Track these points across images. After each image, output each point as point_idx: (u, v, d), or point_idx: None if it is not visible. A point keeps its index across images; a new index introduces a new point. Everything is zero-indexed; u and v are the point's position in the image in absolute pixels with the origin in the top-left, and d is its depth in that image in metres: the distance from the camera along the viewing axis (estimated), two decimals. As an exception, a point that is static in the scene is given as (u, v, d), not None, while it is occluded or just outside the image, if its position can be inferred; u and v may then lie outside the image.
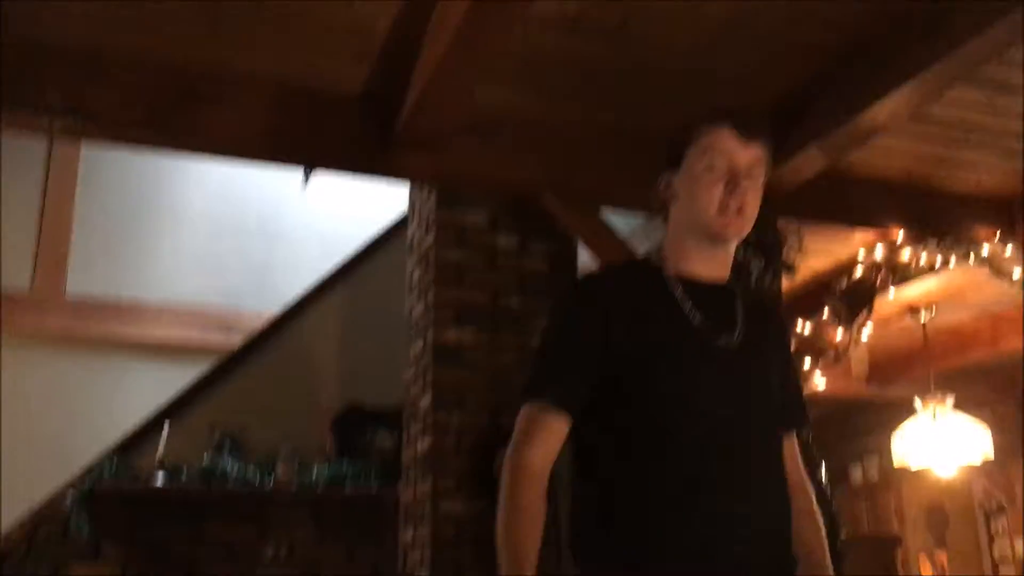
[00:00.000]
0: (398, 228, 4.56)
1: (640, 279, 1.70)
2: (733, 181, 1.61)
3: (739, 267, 3.36)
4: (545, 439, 1.57)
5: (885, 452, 6.12)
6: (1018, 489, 6.47)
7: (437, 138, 3.07)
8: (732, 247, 1.71)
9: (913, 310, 5.04)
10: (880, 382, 6.17)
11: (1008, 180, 3.75)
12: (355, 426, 4.36)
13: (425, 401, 3.57)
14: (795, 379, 1.83)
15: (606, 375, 1.58)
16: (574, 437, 1.61)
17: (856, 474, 7.37)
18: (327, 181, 4.95)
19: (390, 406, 4.24)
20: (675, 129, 1.70)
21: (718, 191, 1.61)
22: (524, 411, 1.60)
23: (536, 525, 1.51)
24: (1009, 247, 3.79)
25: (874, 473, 7.20)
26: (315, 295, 4.60)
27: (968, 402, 5.49)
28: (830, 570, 1.71)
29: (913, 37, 2.75)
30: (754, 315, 1.70)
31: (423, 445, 3.53)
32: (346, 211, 5.49)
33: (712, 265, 1.68)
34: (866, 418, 7.07)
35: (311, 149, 3.12)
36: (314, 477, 4.13)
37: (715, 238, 1.65)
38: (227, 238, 5.64)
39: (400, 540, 3.65)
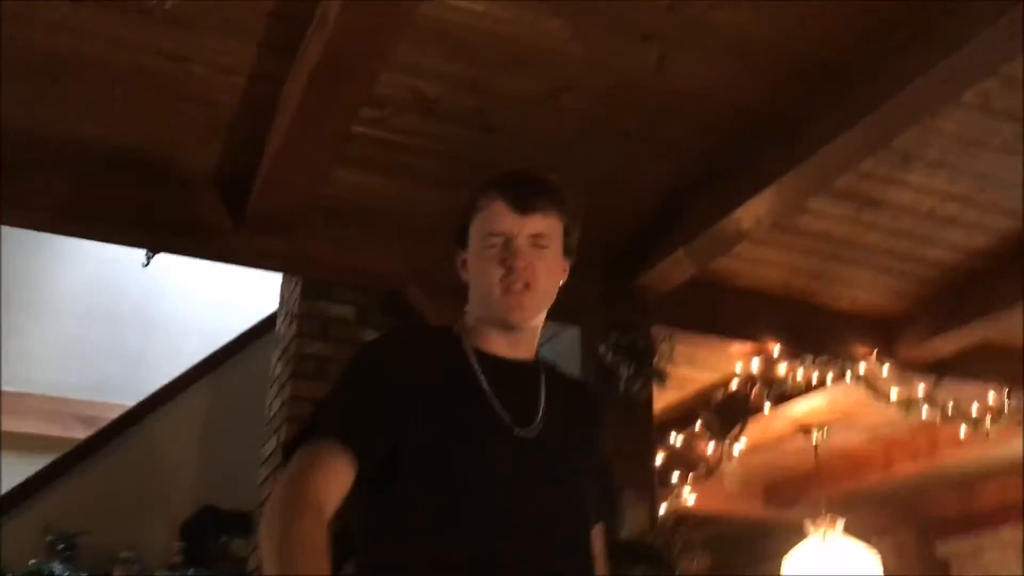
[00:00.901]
0: (272, 322, 4.36)
1: (444, 347, 1.54)
2: (512, 258, 1.47)
3: (607, 371, 3.28)
4: (328, 477, 1.33)
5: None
6: (918, 621, 6.32)
7: (288, 220, 2.94)
8: (534, 326, 1.56)
9: (804, 430, 4.96)
10: (779, 504, 6.05)
11: (884, 298, 3.73)
12: (208, 531, 4.05)
13: (272, 503, 3.31)
14: (608, 471, 1.68)
15: (395, 442, 1.40)
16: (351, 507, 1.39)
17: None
18: (207, 271, 4.78)
19: (250, 510, 3.95)
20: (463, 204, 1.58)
21: (497, 271, 1.48)
22: (301, 451, 1.36)
23: (322, 563, 1.24)
24: (886, 367, 3.74)
25: (773, 601, 6.99)
26: (176, 388, 4.34)
27: (867, 528, 5.39)
28: None
29: (772, 144, 2.73)
30: (561, 397, 1.55)
31: (266, 552, 3.27)
32: (229, 300, 5.29)
33: (512, 346, 1.54)
34: (769, 543, 6.91)
35: (156, 228, 2.96)
36: (156, 583, 3.79)
37: (505, 324, 1.51)
38: (99, 326, 5.37)
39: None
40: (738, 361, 3.80)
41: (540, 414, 1.49)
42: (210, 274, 5.01)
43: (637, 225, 3.29)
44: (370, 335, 3.54)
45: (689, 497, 3.80)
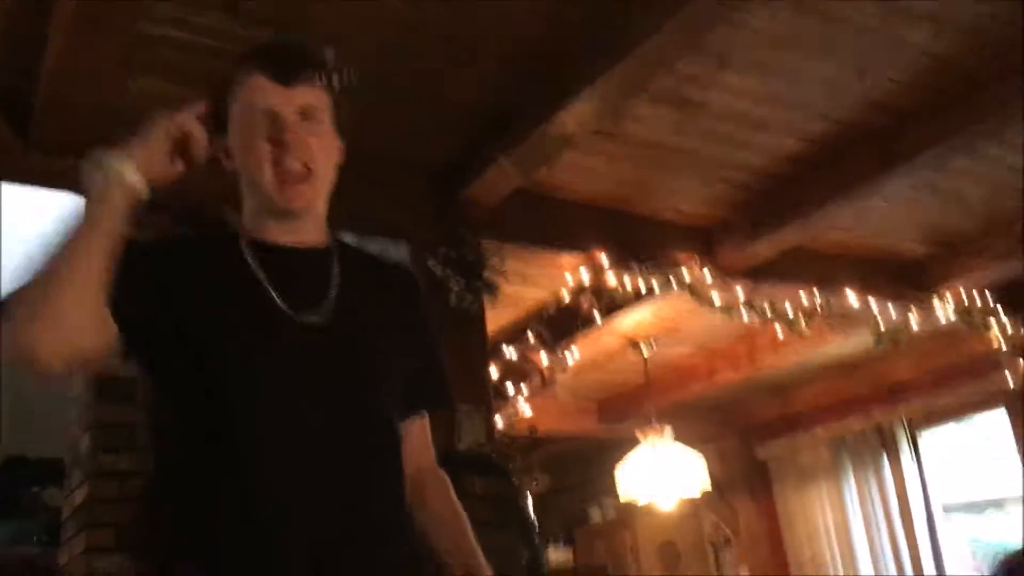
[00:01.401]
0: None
1: (212, 246, 1.40)
2: (279, 133, 1.32)
3: (438, 285, 3.21)
4: None
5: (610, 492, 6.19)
6: (742, 521, 6.71)
7: (83, 140, 2.67)
8: (316, 213, 1.40)
9: (633, 344, 5.10)
10: (612, 419, 6.24)
11: (703, 207, 3.83)
12: (18, 482, 3.78)
13: (85, 443, 3.10)
14: (429, 355, 1.53)
15: (159, 352, 1.29)
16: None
17: (595, 514, 7.41)
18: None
19: (61, 457, 3.69)
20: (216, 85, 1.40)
21: (265, 149, 1.32)
22: None
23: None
24: (707, 273, 3.85)
25: (611, 512, 7.26)
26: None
27: (693, 437, 5.62)
28: (481, 559, 1.44)
29: (591, 46, 2.70)
30: (364, 278, 1.44)
31: (80, 495, 3.06)
32: (12, 232, 4.87)
33: (294, 232, 1.38)
34: (603, 457, 7.13)
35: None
36: (-41, 542, 3.51)
37: (285, 213, 1.36)
38: None
39: (56, 609, 3.13)
40: (566, 273, 3.83)
41: (331, 298, 1.35)
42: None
43: (462, 136, 3.22)
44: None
45: (525, 408, 3.83)
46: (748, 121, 3.23)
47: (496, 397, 3.53)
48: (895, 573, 5.72)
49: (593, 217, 3.71)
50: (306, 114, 1.35)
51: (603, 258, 3.67)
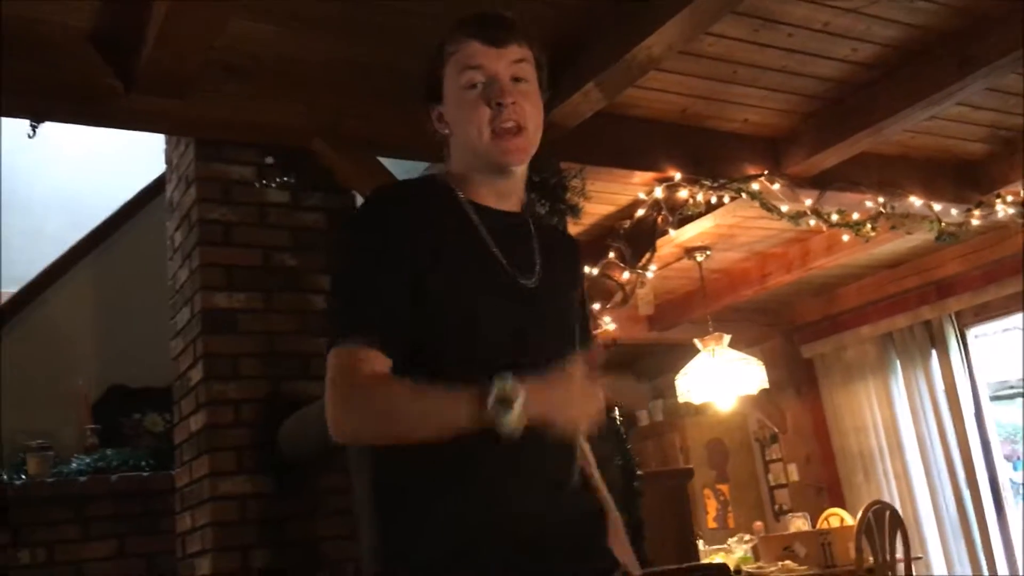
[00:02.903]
0: (156, 190, 4.14)
1: (438, 200, 1.46)
2: (498, 95, 1.40)
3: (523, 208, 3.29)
4: (373, 370, 1.33)
5: (668, 393, 6.36)
6: (789, 418, 6.91)
7: (185, 80, 2.76)
8: (522, 172, 1.50)
9: (689, 252, 5.19)
10: (662, 326, 6.36)
11: (772, 117, 3.86)
12: (120, 410, 3.95)
13: (196, 374, 3.24)
14: (584, 303, 1.66)
15: (417, 311, 1.36)
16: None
17: (643, 417, 7.62)
18: (69, 137, 4.44)
19: (160, 385, 3.85)
20: (429, 56, 1.49)
21: (485, 113, 1.40)
22: (334, 357, 1.34)
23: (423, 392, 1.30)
24: (777, 183, 3.91)
25: (659, 414, 7.47)
26: (61, 268, 4.11)
27: (740, 339, 5.75)
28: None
29: (684, -35, 2.71)
30: (550, 248, 1.53)
31: (197, 422, 3.22)
32: (94, 173, 4.95)
33: (504, 196, 1.48)
34: (650, 362, 7.31)
35: (34, 96, 2.71)
36: (74, 469, 3.70)
37: (500, 168, 1.44)
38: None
39: (177, 528, 3.33)
40: (639, 190, 3.90)
41: (538, 264, 1.47)
42: (67, 146, 4.66)
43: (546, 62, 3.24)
44: (273, 194, 3.43)
45: (609, 324, 3.95)
46: (826, 31, 3.24)
47: (581, 313, 3.64)
48: (943, 462, 5.92)
49: (665, 133, 3.75)
50: (517, 74, 1.42)
51: (675, 176, 3.73)
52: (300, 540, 3.12)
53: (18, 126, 3.06)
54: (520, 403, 1.22)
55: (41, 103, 2.76)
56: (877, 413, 6.40)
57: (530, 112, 1.43)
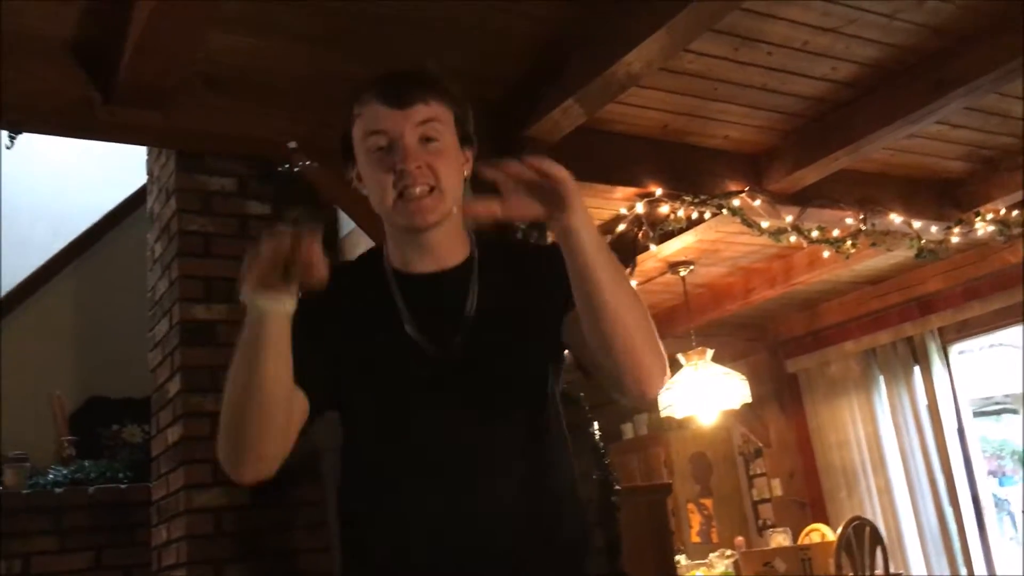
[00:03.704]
0: (138, 201, 4.14)
1: (366, 278, 1.47)
2: (400, 160, 1.35)
3: (503, 226, 3.30)
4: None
5: (652, 408, 6.36)
6: (773, 433, 6.92)
7: (164, 91, 2.76)
8: (450, 225, 1.42)
9: (672, 267, 5.20)
10: (645, 340, 6.36)
11: (753, 134, 3.88)
12: (99, 421, 3.93)
13: (174, 386, 3.24)
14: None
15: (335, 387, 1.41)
16: None
17: (627, 431, 7.62)
18: (56, 149, 4.44)
19: (140, 396, 3.84)
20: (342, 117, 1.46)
21: (389, 178, 1.36)
22: None
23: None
24: (758, 199, 3.93)
25: (644, 428, 7.47)
26: (40, 279, 4.10)
27: (724, 354, 5.77)
28: None
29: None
30: (503, 277, 1.46)
31: (174, 434, 3.21)
32: (80, 184, 4.94)
33: (432, 256, 1.43)
34: (634, 376, 7.30)
35: (13, 105, 2.71)
36: (50, 480, 3.68)
37: (411, 231, 1.40)
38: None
39: (153, 540, 3.31)
40: (621, 206, 3.91)
41: (467, 318, 1.41)
42: (54, 157, 4.67)
43: (520, 78, 3.26)
44: (253, 206, 3.43)
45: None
46: (806, 50, 3.26)
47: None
48: (926, 478, 5.94)
49: (646, 149, 3.77)
50: (426, 134, 1.37)
51: (656, 191, 3.75)
52: (275, 553, 3.12)
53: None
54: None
55: (20, 114, 2.76)
56: (860, 429, 6.41)
57: (443, 171, 1.37)
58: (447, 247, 1.44)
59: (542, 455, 1.43)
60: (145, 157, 3.73)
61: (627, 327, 1.29)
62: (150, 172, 3.68)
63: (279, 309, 1.23)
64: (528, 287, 1.47)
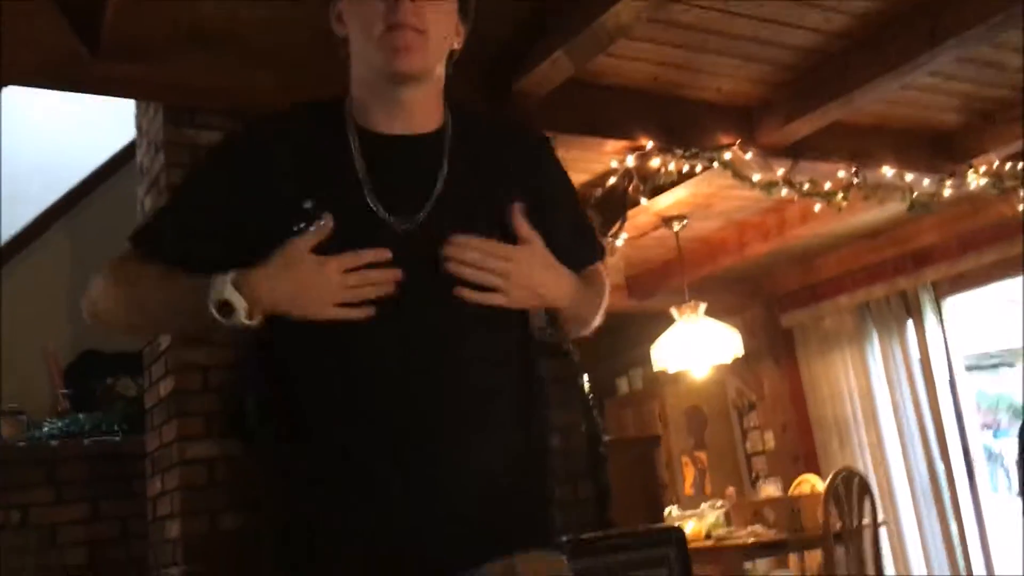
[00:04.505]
0: (129, 155, 4.12)
1: (322, 130, 1.30)
2: None
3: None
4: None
5: (648, 362, 6.40)
6: (767, 386, 6.97)
7: (150, 45, 2.75)
8: (429, 87, 1.30)
9: (666, 221, 5.20)
10: (640, 295, 6.39)
11: (746, 86, 3.86)
12: (92, 374, 3.96)
13: (164, 339, 3.26)
14: (566, 212, 1.43)
15: (250, 249, 1.23)
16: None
17: (623, 385, 7.67)
18: (48, 103, 4.42)
19: (133, 350, 3.86)
20: None
21: (379, 7, 1.23)
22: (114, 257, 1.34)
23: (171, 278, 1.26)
24: (749, 153, 3.92)
25: (639, 383, 7.53)
26: (33, 232, 4.11)
27: (719, 308, 5.79)
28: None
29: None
30: (477, 162, 1.32)
31: (166, 387, 3.24)
32: (70, 139, 4.93)
33: (404, 118, 1.29)
34: (630, 332, 7.34)
35: (3, 60, 2.70)
36: (46, 432, 3.72)
37: (392, 77, 1.26)
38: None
39: (148, 491, 3.36)
40: (611, 159, 3.90)
41: (433, 196, 1.26)
42: (45, 112, 4.65)
43: (511, 30, 3.24)
44: (243, 160, 3.42)
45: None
46: (797, 1, 3.23)
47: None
48: (917, 431, 5.99)
49: (636, 102, 3.75)
50: None
51: (647, 144, 3.73)
52: (268, 503, 3.16)
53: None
54: (243, 305, 1.17)
55: (6, 68, 2.75)
56: (853, 382, 6.46)
57: (433, 18, 1.26)
58: (422, 109, 1.31)
59: (526, 382, 1.31)
60: (134, 112, 3.71)
61: (584, 318, 1.47)
62: (139, 126, 3.66)
63: (235, 323, 1.18)
64: (507, 177, 1.34)
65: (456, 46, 1.35)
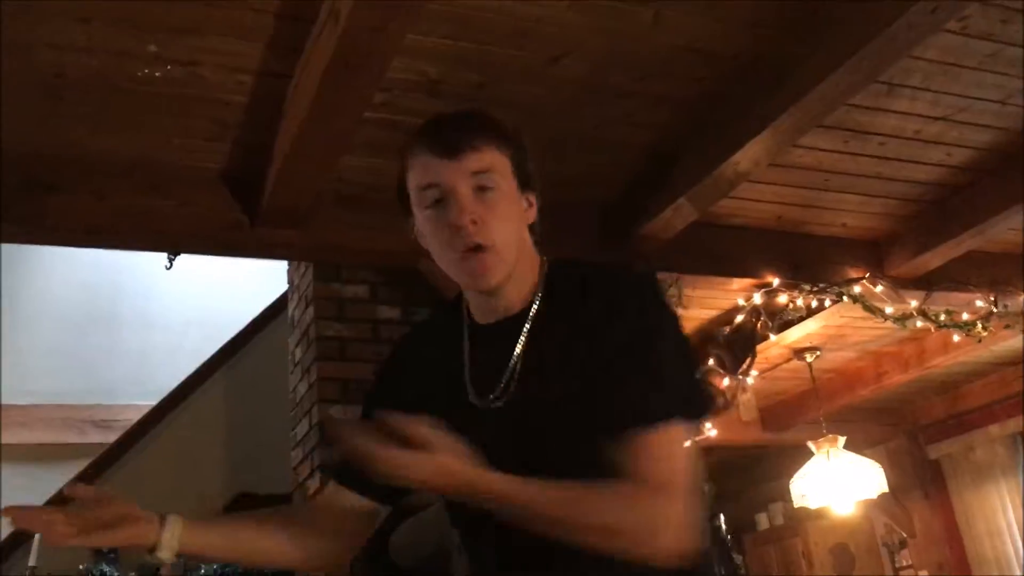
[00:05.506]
0: (280, 307, 4.44)
1: (444, 332, 1.43)
2: (454, 216, 1.27)
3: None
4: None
5: (788, 497, 6.21)
6: (917, 522, 6.61)
7: (302, 212, 3.02)
8: (515, 277, 1.33)
9: (798, 353, 5.15)
10: (775, 428, 6.26)
11: (872, 221, 3.88)
12: (245, 516, 4.15)
13: (313, 483, 3.43)
14: (636, 359, 1.25)
15: None
16: None
17: (763, 521, 7.42)
18: (204, 263, 4.82)
19: (284, 492, 4.06)
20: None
21: (446, 232, 1.29)
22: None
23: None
24: (879, 285, 3.90)
25: (780, 518, 7.26)
26: (194, 382, 4.43)
27: (861, 441, 5.62)
28: None
29: (762, 90, 2.83)
30: (560, 321, 1.31)
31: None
32: (226, 293, 5.34)
33: (495, 306, 1.36)
34: (767, 465, 7.16)
35: (173, 231, 3.02)
36: (203, 574, 3.91)
37: (475, 288, 1.34)
38: (98, 330, 5.40)
39: (296, 634, 3.46)
40: (738, 296, 3.95)
41: (505, 375, 1.31)
42: (202, 269, 5.06)
43: (631, 179, 3.39)
44: (384, 311, 3.65)
45: (710, 431, 3.97)
46: (917, 139, 3.28)
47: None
48: (1087, 571, 5.56)
49: (762, 240, 3.82)
50: (481, 184, 1.30)
51: (774, 281, 3.78)
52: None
53: (158, 257, 3.41)
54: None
55: (178, 237, 3.06)
56: (1012, 516, 6.07)
57: (498, 227, 1.29)
58: (514, 296, 1.35)
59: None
60: (286, 268, 4.03)
61: (577, 535, 1.18)
62: (290, 282, 3.96)
63: None
64: (590, 327, 1.28)
65: (532, 219, 1.38)
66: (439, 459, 1.14)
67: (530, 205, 1.38)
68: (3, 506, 1.17)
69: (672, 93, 2.95)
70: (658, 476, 1.17)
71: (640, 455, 1.18)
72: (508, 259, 1.30)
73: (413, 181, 1.33)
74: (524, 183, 1.36)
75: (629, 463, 1.18)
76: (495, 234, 1.28)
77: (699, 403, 1.29)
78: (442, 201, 1.29)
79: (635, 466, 1.18)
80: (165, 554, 1.26)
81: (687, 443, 1.23)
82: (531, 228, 1.39)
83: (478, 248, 1.27)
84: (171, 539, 1.26)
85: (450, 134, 1.31)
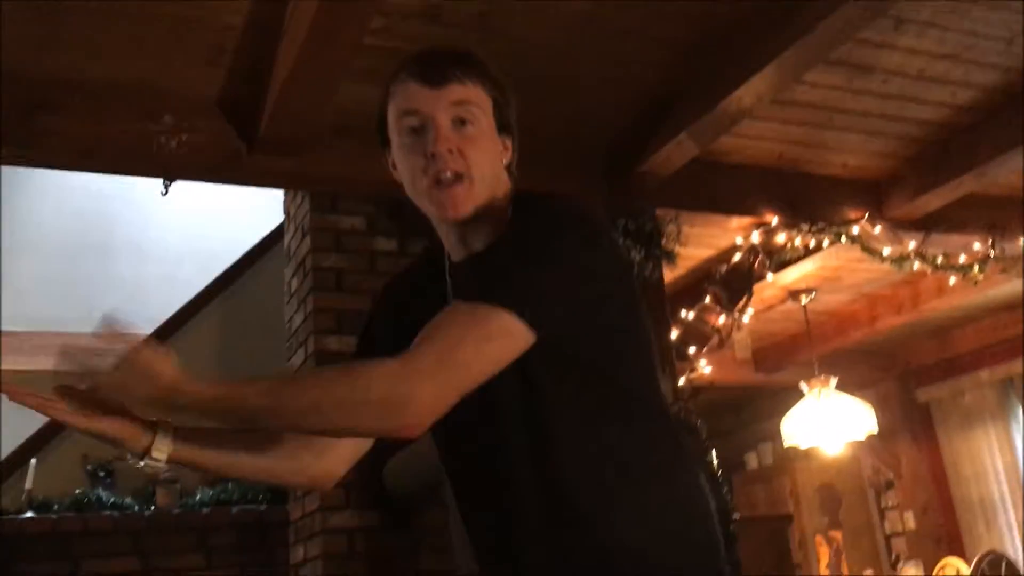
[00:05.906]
0: (276, 239, 4.41)
1: (427, 275, 1.42)
2: (431, 144, 1.26)
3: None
4: None
5: (777, 437, 6.28)
6: (904, 464, 6.71)
7: (301, 141, 2.98)
8: (487, 218, 1.30)
9: (793, 295, 5.16)
10: (767, 369, 6.30)
11: (873, 160, 3.86)
12: (240, 446, 4.18)
13: (308, 413, 3.44)
14: (481, 259, 1.30)
15: None
16: None
17: (752, 460, 7.52)
18: (200, 192, 4.78)
19: (277, 422, 4.08)
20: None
21: (420, 161, 1.27)
22: None
23: None
24: (878, 226, 3.89)
25: (769, 458, 7.36)
26: (189, 313, 4.41)
27: (851, 383, 5.66)
28: None
29: (768, 26, 2.79)
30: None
31: (309, 459, 3.41)
32: (222, 224, 5.30)
33: (464, 244, 1.33)
34: (757, 406, 7.24)
35: (169, 157, 2.98)
36: (198, 500, 3.95)
37: (443, 219, 1.32)
38: (91, 259, 5.37)
39: (291, 559, 3.52)
40: (736, 235, 3.94)
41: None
42: (197, 200, 5.02)
43: (634, 117, 3.36)
44: (381, 243, 3.62)
45: (705, 368, 4.00)
46: (922, 78, 3.25)
47: (677, 358, 3.70)
48: (1071, 513, 5.66)
49: (761, 179, 3.80)
50: (461, 116, 1.29)
51: (772, 220, 3.77)
52: (404, 573, 3.26)
53: (153, 184, 3.38)
54: None
55: (174, 164, 3.03)
56: (998, 460, 6.16)
57: (475, 159, 1.28)
58: (483, 235, 1.32)
59: (551, 465, 1.27)
60: (282, 198, 3.99)
61: (323, 426, 1.20)
62: (287, 212, 3.93)
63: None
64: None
65: (506, 162, 1.36)
66: (141, 366, 1.11)
67: (506, 148, 1.36)
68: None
69: (678, 30, 2.91)
70: (427, 354, 1.15)
71: (428, 331, 1.18)
72: (480, 192, 1.29)
73: (393, 108, 1.32)
74: (502, 127, 1.35)
75: (419, 336, 1.18)
76: (472, 166, 1.28)
77: (537, 308, 1.19)
78: (420, 129, 1.29)
79: (418, 340, 1.17)
80: (159, 454, 1.20)
81: (500, 339, 1.18)
82: (508, 169, 1.37)
83: (456, 177, 1.27)
84: (164, 441, 1.21)
85: (437, 64, 1.31)
